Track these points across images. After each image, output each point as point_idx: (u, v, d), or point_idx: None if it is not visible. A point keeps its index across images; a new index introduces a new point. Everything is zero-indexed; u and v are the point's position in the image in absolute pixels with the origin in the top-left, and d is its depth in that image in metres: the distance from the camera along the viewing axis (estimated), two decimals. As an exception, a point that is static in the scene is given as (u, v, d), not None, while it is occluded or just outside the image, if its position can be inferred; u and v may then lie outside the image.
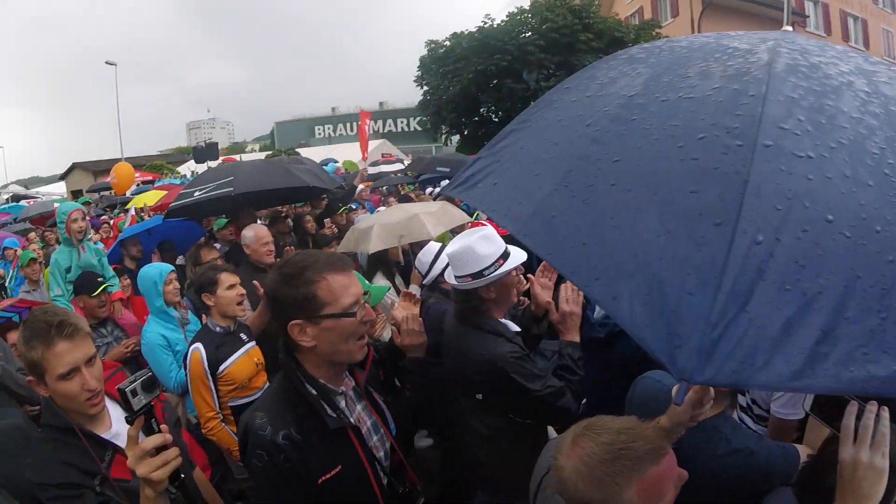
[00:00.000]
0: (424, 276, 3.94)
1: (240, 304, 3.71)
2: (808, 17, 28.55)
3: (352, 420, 1.98)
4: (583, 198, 1.22)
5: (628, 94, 1.34)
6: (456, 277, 2.74)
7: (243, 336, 3.71)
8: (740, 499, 1.98)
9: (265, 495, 1.84)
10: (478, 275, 2.63)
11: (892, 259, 0.93)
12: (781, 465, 1.98)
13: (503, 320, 2.83)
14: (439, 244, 4.04)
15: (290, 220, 7.67)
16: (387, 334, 2.86)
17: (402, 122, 41.33)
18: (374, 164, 19.51)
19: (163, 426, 1.74)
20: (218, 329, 3.62)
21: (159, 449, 1.66)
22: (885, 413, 1.36)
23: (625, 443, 1.37)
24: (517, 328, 2.86)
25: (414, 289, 3.74)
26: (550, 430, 3.02)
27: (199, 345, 3.49)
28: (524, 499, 2.02)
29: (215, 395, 3.48)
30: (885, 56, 30.29)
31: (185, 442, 2.59)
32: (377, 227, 4.95)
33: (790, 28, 1.67)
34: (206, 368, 3.41)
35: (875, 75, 1.25)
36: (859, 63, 1.29)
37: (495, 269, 2.63)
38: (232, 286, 3.68)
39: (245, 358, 3.59)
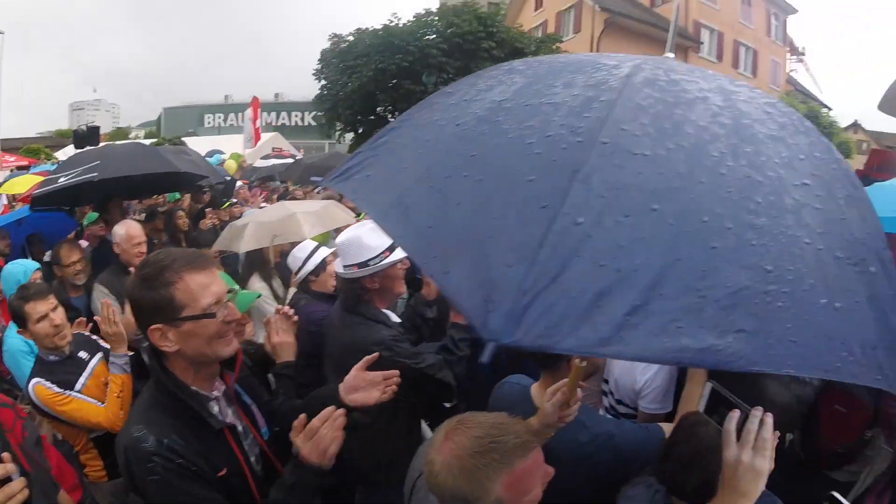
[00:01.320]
0: (295, 274, 3.90)
1: (58, 334, 3.19)
2: (703, 43, 30.45)
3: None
4: (438, 187, 1.29)
5: (499, 99, 1.42)
6: (343, 266, 2.85)
7: (83, 355, 3.32)
8: (610, 483, 2.10)
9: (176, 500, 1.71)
10: (363, 265, 2.76)
11: (716, 246, 1.04)
12: (645, 443, 2.10)
13: (385, 310, 2.96)
14: (315, 243, 3.97)
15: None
16: (262, 337, 2.84)
17: (296, 116, 40.26)
18: (266, 157, 18.84)
19: (4, 454, 1.62)
20: (51, 358, 3.21)
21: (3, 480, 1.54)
22: (769, 418, 1.48)
23: (495, 437, 1.43)
24: (398, 319, 3.04)
25: (292, 291, 3.72)
26: (425, 429, 3.10)
27: (38, 380, 3.08)
28: (399, 497, 2.05)
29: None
30: (771, 85, 32.97)
31: (48, 463, 2.37)
32: (252, 226, 4.81)
33: (672, 55, 1.79)
34: (60, 390, 3.06)
35: (735, 94, 1.37)
36: (722, 84, 1.40)
37: (380, 261, 2.77)
38: (43, 317, 3.16)
39: (91, 382, 3.21)
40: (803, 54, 39.87)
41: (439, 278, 1.16)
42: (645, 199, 1.06)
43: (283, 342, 2.57)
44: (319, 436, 1.76)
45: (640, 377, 2.71)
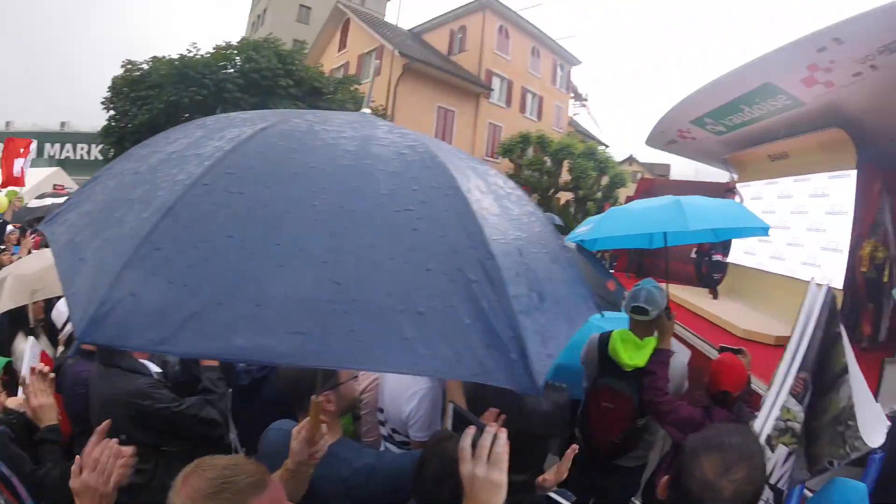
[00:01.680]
0: (60, 331, 3.61)
1: None
2: (493, 90, 32.65)
3: None
4: (95, 226, 1.46)
5: (172, 150, 1.54)
6: None
7: None
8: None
9: None
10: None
11: (283, 265, 1.21)
12: (408, 469, 2.07)
13: (144, 361, 2.89)
14: None
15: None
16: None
17: (82, 149, 36.45)
18: (41, 196, 16.68)
19: None
20: None
21: None
22: (503, 434, 1.56)
23: (227, 477, 1.44)
24: (158, 369, 2.95)
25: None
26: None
27: None
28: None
29: None
30: (554, 126, 36.48)
31: None
32: (10, 280, 4.26)
33: (368, 110, 1.92)
34: None
35: (375, 140, 1.54)
36: (372, 133, 1.59)
37: None
38: None
39: None
40: (586, 100, 44.37)
41: (68, 297, 1.29)
42: (222, 229, 1.23)
43: (42, 405, 2.46)
44: (101, 463, 1.71)
45: (405, 406, 2.80)
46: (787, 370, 2.76)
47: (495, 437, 1.56)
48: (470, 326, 1.22)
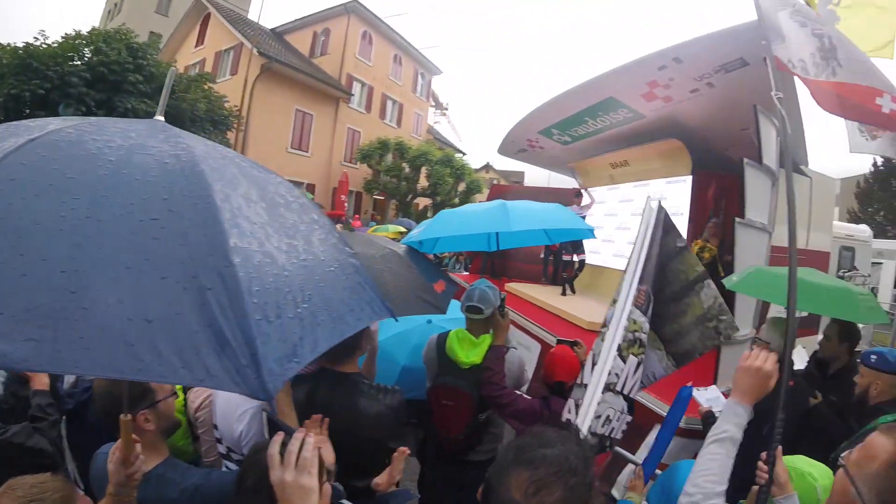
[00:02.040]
0: None
1: None
2: (353, 95, 32.43)
3: None
4: None
5: None
6: None
7: None
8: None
9: None
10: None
11: (26, 273, 1.20)
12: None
13: None
14: None
15: None
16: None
17: None
18: None
19: None
20: None
21: None
22: (311, 439, 1.61)
23: (35, 495, 1.53)
24: None
25: None
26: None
27: None
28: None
29: None
30: (413, 133, 37.22)
31: None
32: None
33: (161, 118, 1.84)
34: None
35: (143, 150, 1.53)
36: (141, 142, 1.57)
37: None
38: None
39: None
40: (447, 109, 45.29)
41: None
42: None
43: None
44: None
45: (236, 426, 2.73)
46: (630, 285, 2.94)
47: (303, 441, 1.60)
48: (199, 333, 1.26)
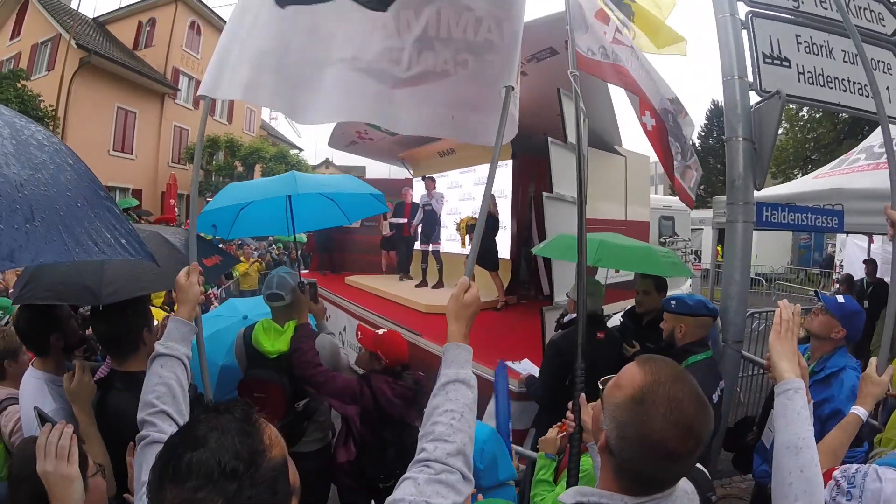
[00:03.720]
0: None
1: None
2: (180, 90, 30.37)
3: None
4: None
5: None
6: None
7: None
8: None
9: None
10: None
11: None
12: None
13: None
14: None
15: None
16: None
17: None
18: None
19: None
20: None
21: None
22: (69, 428, 1.78)
23: None
24: None
25: None
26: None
27: None
28: None
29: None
30: (245, 129, 35.68)
31: None
32: None
33: None
34: None
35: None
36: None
37: None
38: None
39: None
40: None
41: None
42: None
43: None
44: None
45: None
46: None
47: (62, 432, 1.74)
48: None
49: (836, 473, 2.00)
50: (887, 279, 10.27)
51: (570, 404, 2.40)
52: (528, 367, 5.10)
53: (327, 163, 55.32)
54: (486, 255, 8.07)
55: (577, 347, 2.62)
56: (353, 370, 3.87)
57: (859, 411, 2.48)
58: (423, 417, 1.65)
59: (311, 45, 2.82)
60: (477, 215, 8.85)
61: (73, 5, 29.85)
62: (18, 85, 20.08)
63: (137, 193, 27.54)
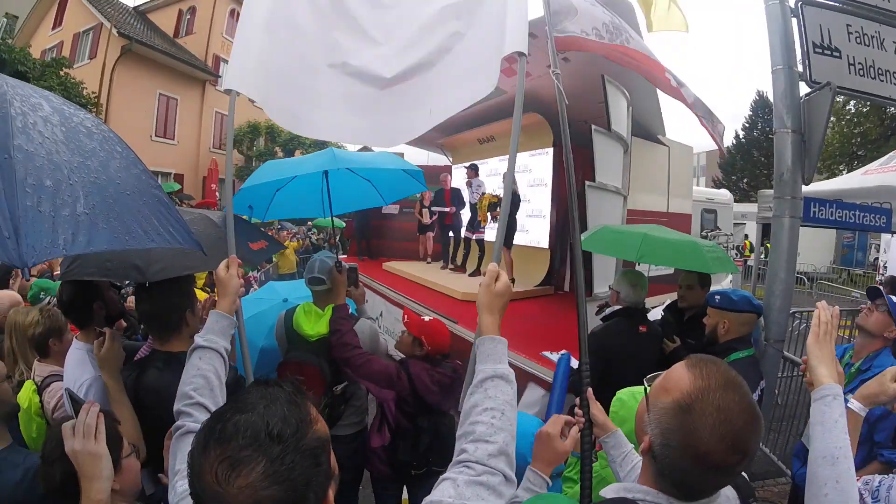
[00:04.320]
0: None
1: None
2: (221, 76, 30.21)
3: None
4: None
5: None
6: None
7: None
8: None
9: None
10: None
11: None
12: None
13: None
14: None
15: None
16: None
17: None
18: None
19: None
20: None
21: None
22: (95, 407, 1.87)
23: None
24: None
25: None
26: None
27: None
28: None
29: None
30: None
31: None
32: None
33: None
34: None
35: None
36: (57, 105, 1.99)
37: None
38: None
39: None
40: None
41: None
42: None
43: None
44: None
45: None
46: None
47: (89, 411, 1.81)
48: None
49: (858, 485, 1.90)
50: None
51: (577, 399, 2.31)
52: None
53: (366, 148, 55.40)
54: (507, 233, 8.00)
55: (584, 344, 2.51)
56: (391, 357, 3.85)
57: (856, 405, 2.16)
58: (462, 415, 1.63)
59: (307, 49, 3.00)
60: (501, 193, 8.79)
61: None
62: (61, 73, 20.38)
63: (179, 178, 27.98)
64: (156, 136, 27.76)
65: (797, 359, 5.99)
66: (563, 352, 3.64)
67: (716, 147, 5.23)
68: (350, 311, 3.62)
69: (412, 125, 2.91)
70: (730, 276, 12.45)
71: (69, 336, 3.13)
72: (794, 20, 4.28)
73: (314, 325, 3.56)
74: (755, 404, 1.36)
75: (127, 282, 4.38)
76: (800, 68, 4.27)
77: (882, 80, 4.44)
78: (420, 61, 2.86)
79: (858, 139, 24.81)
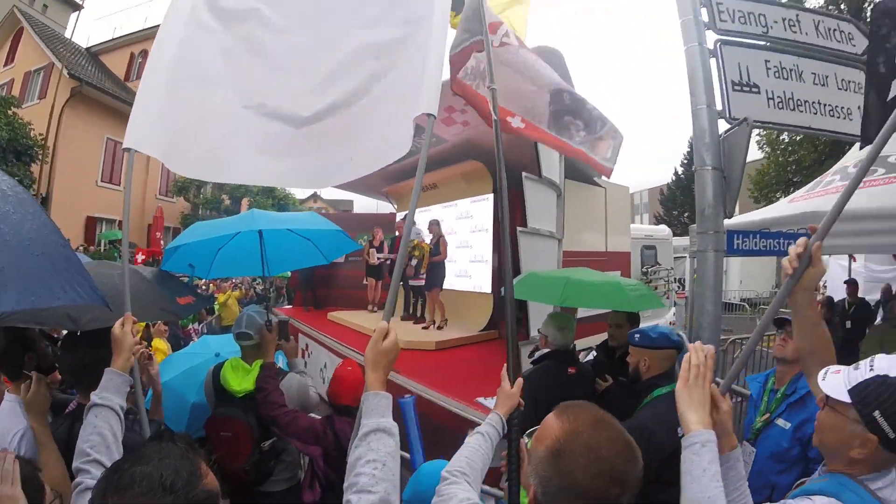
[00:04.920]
0: None
1: None
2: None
3: None
4: None
5: None
6: None
7: None
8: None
9: None
10: None
11: None
12: None
13: None
14: None
15: None
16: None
17: None
18: None
19: None
20: None
21: None
22: (10, 455, 1.82)
23: None
24: None
25: None
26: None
27: None
28: None
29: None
30: None
31: None
32: None
33: None
34: None
35: None
36: None
37: None
38: None
39: None
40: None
41: None
42: None
43: None
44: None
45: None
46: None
47: (5, 458, 1.78)
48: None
49: None
50: (869, 298, 10.44)
51: (503, 453, 2.33)
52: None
53: (315, 197, 54.63)
54: (434, 278, 8.66)
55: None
56: (326, 403, 3.84)
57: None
58: (347, 467, 1.71)
59: (221, 92, 3.00)
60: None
61: (67, 35, 29.90)
62: (9, 112, 19.83)
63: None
64: (102, 181, 27.16)
65: (739, 388, 6.06)
66: (407, 396, 3.69)
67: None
68: (281, 365, 3.63)
69: (338, 169, 2.95)
70: (672, 310, 12.70)
71: (1, 388, 3.09)
72: (713, 60, 4.46)
73: (241, 380, 3.54)
74: (628, 438, 1.42)
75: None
76: (719, 107, 4.43)
77: (801, 111, 4.63)
78: (336, 101, 2.88)
79: (794, 166, 25.57)
